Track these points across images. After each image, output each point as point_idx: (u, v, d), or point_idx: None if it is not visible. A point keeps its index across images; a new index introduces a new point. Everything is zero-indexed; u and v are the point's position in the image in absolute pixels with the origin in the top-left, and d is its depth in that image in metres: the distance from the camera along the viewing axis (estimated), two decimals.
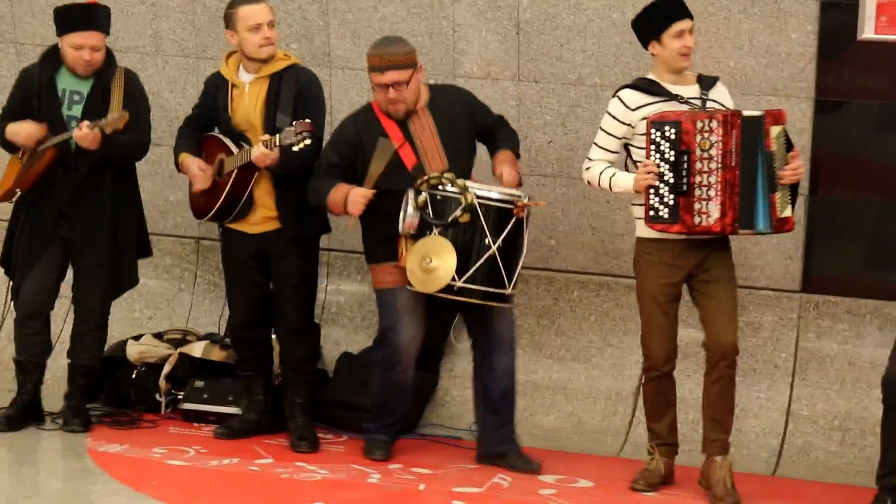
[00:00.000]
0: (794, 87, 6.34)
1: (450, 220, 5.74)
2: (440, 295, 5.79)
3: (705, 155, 5.56)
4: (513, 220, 5.80)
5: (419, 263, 5.74)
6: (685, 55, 5.71)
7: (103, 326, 6.37)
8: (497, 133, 6.08)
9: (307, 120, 5.86)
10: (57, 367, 6.51)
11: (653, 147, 5.63)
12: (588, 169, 5.83)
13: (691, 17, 5.75)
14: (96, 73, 6.18)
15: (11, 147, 6.28)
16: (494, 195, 5.80)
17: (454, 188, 5.77)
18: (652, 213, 5.65)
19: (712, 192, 5.56)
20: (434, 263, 5.72)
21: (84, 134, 6.00)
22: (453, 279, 5.72)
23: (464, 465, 6.09)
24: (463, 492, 5.75)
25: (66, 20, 6.12)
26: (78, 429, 6.25)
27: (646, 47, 5.81)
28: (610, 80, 6.59)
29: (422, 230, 5.79)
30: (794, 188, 5.67)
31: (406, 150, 5.93)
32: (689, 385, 6.29)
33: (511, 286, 5.83)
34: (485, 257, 5.76)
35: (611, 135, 5.77)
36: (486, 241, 5.76)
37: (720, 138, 5.55)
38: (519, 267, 5.87)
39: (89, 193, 6.19)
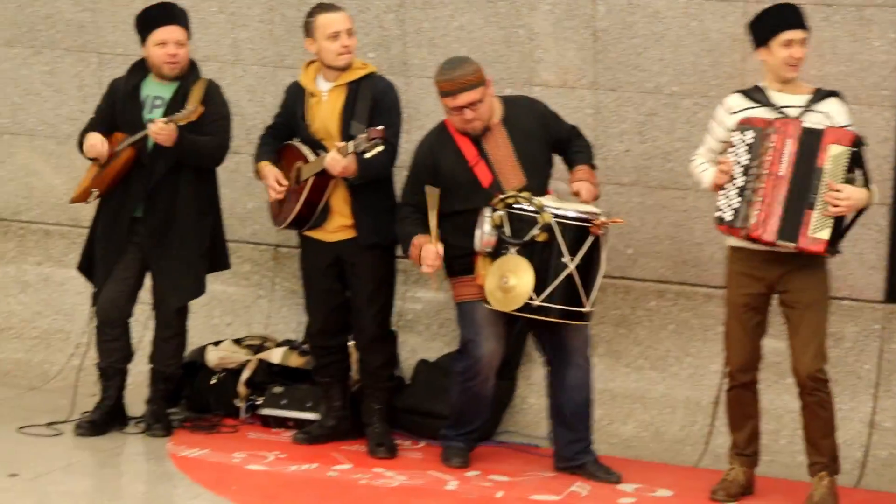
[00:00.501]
0: (877, 96, 6.29)
1: (526, 239, 5.74)
2: (519, 314, 5.79)
3: (763, 161, 5.53)
4: (590, 239, 5.79)
5: (497, 283, 5.75)
6: (791, 66, 5.61)
7: (182, 333, 6.42)
8: (572, 145, 6.08)
9: (380, 127, 5.89)
10: (139, 372, 6.57)
11: (731, 149, 5.62)
12: (691, 161, 5.86)
13: (805, 28, 5.65)
14: (180, 77, 6.24)
15: (86, 153, 6.35)
16: (571, 213, 5.78)
17: (530, 207, 5.76)
18: (717, 213, 5.64)
19: (757, 198, 5.52)
20: (512, 282, 5.73)
21: (158, 128, 6.06)
22: (531, 298, 5.72)
23: (541, 472, 6.09)
24: (541, 499, 5.74)
25: (147, 20, 6.23)
26: (160, 433, 6.31)
27: (756, 51, 5.71)
28: (688, 88, 6.57)
29: (498, 249, 5.80)
30: (838, 221, 5.49)
31: (481, 167, 5.93)
32: (769, 395, 6.25)
33: (589, 304, 5.82)
34: (562, 276, 5.75)
35: (711, 134, 5.78)
36: (564, 259, 5.75)
37: (773, 144, 5.51)
38: (597, 284, 5.85)
39: (164, 198, 6.24)
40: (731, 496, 5.76)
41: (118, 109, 6.26)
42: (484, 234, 5.79)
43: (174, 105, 6.22)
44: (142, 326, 6.97)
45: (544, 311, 5.76)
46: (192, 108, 6.12)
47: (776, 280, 5.65)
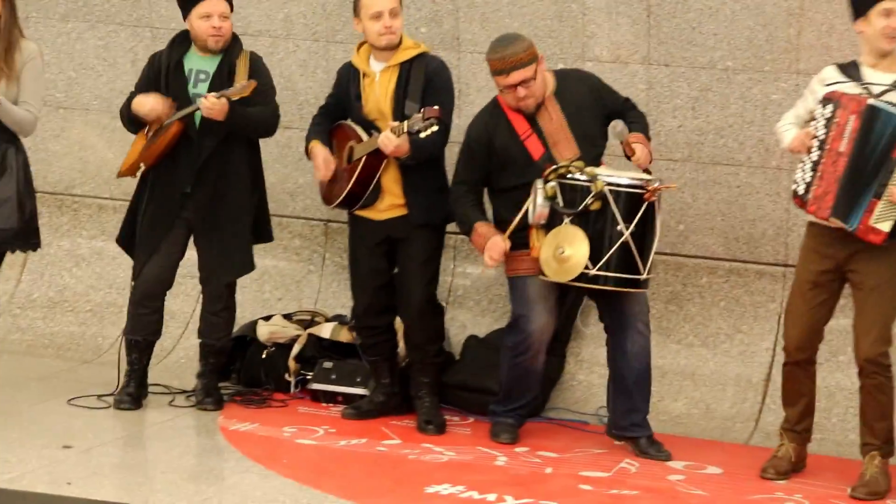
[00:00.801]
0: None
1: (580, 208, 5.72)
2: (575, 284, 5.77)
3: (826, 135, 5.46)
4: (644, 206, 5.76)
5: (552, 253, 5.73)
6: (890, 37, 5.48)
7: (231, 306, 6.45)
8: (626, 116, 6.04)
9: (435, 107, 5.88)
10: (190, 346, 6.62)
11: (812, 122, 5.56)
12: (779, 123, 5.77)
13: None
14: (223, 51, 6.25)
15: (136, 126, 6.35)
16: (624, 181, 5.77)
17: (583, 176, 5.74)
18: (794, 186, 5.59)
19: (817, 174, 5.46)
20: (567, 253, 5.71)
21: (210, 104, 6.08)
22: (587, 267, 5.70)
23: (591, 449, 6.08)
24: (590, 476, 5.73)
25: None
26: (211, 407, 6.35)
27: (854, 23, 5.59)
28: (742, 63, 6.51)
29: (552, 220, 5.78)
30: None
31: (533, 140, 5.92)
32: (822, 373, 6.16)
33: (646, 271, 5.79)
34: (618, 244, 5.73)
35: (804, 101, 5.68)
36: (619, 227, 5.73)
37: (836, 120, 5.44)
38: (653, 251, 5.83)
39: (212, 173, 6.26)
40: (780, 473, 5.73)
41: (162, 84, 6.27)
42: (537, 206, 5.78)
43: (219, 79, 6.24)
44: (193, 301, 7.03)
45: (600, 280, 5.74)
46: (245, 84, 6.14)
47: (845, 259, 5.56)
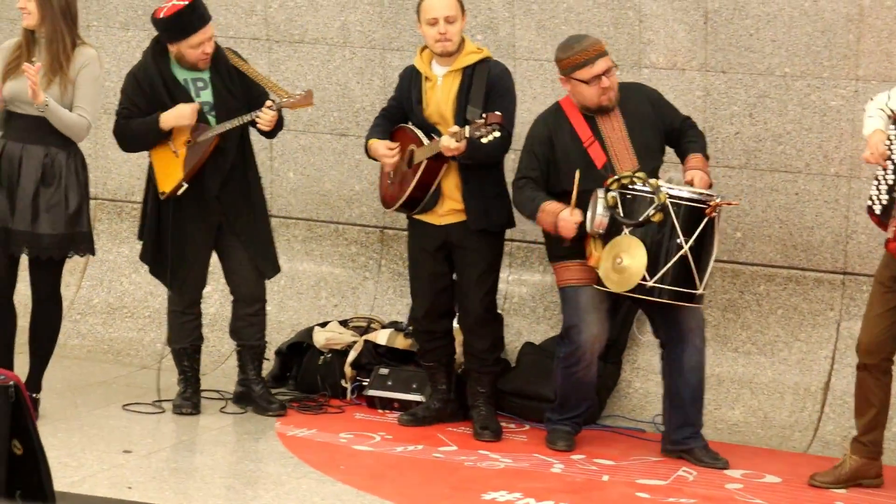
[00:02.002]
0: None
1: (641, 219, 5.70)
2: (631, 294, 5.76)
3: None
4: (705, 220, 5.73)
5: (611, 263, 5.72)
6: None
7: (264, 303, 6.46)
8: (685, 134, 6.02)
9: (497, 112, 5.88)
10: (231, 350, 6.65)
11: (887, 142, 5.47)
12: (871, 100, 5.59)
13: None
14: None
15: (153, 142, 6.28)
16: (686, 194, 5.74)
17: (646, 187, 5.72)
18: (869, 202, 5.53)
19: (890, 198, 5.40)
20: (625, 263, 5.69)
21: (271, 118, 6.12)
22: (644, 279, 5.69)
23: (647, 457, 6.06)
24: (647, 484, 5.72)
25: (182, 26, 6.13)
26: (282, 412, 6.35)
27: None
28: (800, 70, 6.47)
29: (611, 230, 5.77)
30: None
31: (595, 148, 5.91)
32: None
33: (702, 286, 5.77)
34: (676, 257, 5.70)
35: (890, 100, 5.52)
36: (678, 240, 5.70)
37: None
38: (710, 267, 5.80)
39: (237, 175, 6.30)
40: (827, 483, 5.66)
41: (165, 98, 6.20)
42: (597, 214, 5.76)
43: (218, 84, 6.22)
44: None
45: (657, 293, 5.72)
46: (307, 93, 6.13)
47: None
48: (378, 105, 7.13)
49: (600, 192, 5.78)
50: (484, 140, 5.85)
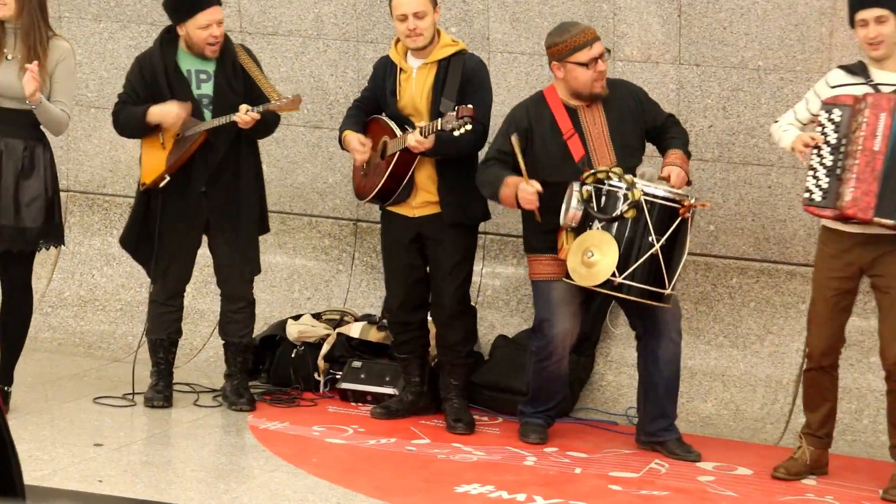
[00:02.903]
0: None
1: (614, 214, 5.70)
2: (599, 290, 5.76)
3: (853, 136, 5.43)
4: (677, 220, 5.73)
5: (580, 257, 5.71)
6: (870, 45, 5.52)
7: (252, 302, 6.44)
8: (668, 131, 6.01)
9: (469, 105, 5.87)
10: (219, 345, 6.62)
11: (819, 128, 5.54)
12: (776, 122, 5.77)
13: (884, 6, 5.50)
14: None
15: (142, 133, 6.28)
16: (661, 193, 5.73)
17: (621, 183, 5.72)
18: (807, 195, 5.55)
19: (850, 175, 5.41)
20: (595, 258, 5.69)
21: (251, 118, 6.09)
22: (613, 275, 5.68)
23: (620, 449, 6.06)
24: (620, 476, 5.72)
25: (188, 4, 6.11)
26: (246, 408, 6.35)
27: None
28: (773, 63, 6.48)
29: (584, 223, 5.76)
30: None
31: (574, 141, 5.90)
32: (853, 374, 6.18)
33: (671, 286, 5.77)
34: (647, 255, 5.70)
35: (806, 103, 5.68)
36: (650, 238, 5.70)
37: (866, 119, 5.40)
38: (680, 267, 5.80)
39: (226, 172, 6.27)
40: (791, 474, 5.70)
41: (164, 88, 6.19)
42: (571, 208, 5.75)
43: (221, 78, 6.20)
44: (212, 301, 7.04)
45: (625, 289, 5.72)
46: (294, 98, 6.09)
47: (869, 264, 5.55)
48: (352, 97, 7.10)
49: (575, 185, 5.77)
50: (456, 133, 5.84)
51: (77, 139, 7.71)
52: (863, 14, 5.53)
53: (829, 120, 5.51)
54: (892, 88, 5.49)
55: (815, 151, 5.52)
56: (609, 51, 5.95)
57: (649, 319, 5.93)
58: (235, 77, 6.24)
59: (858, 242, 5.53)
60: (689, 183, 5.94)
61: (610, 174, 5.73)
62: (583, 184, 5.76)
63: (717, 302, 6.71)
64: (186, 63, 6.25)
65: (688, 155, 5.99)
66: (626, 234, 5.71)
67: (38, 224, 5.99)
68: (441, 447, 6.00)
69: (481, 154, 6.25)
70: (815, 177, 5.52)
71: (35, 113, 5.92)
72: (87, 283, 7.60)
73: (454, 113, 5.83)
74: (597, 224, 5.72)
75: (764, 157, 6.60)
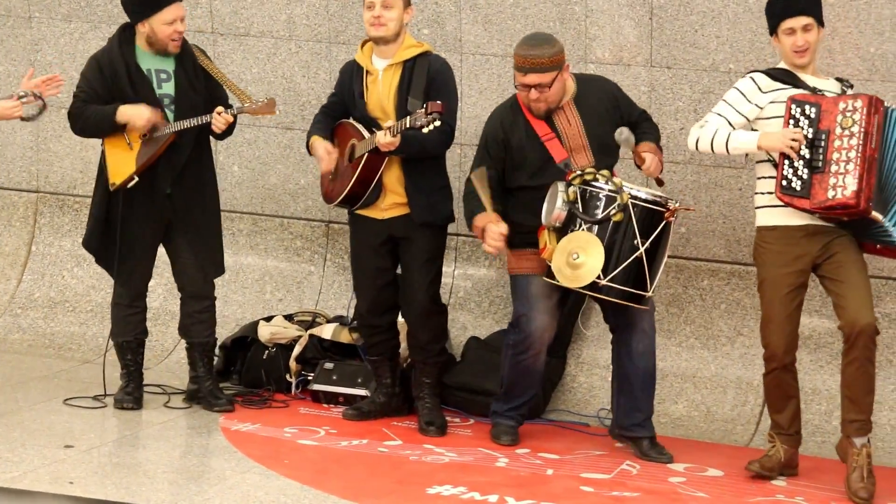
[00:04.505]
0: None
1: (601, 216, 5.71)
2: (583, 291, 5.77)
3: (846, 132, 5.47)
4: (662, 224, 5.74)
5: (565, 258, 5.72)
6: (798, 52, 5.61)
7: (214, 301, 6.44)
8: (640, 126, 6.03)
9: (438, 101, 5.87)
10: (183, 347, 6.61)
11: (791, 122, 5.57)
12: (701, 127, 5.73)
13: (811, 14, 5.60)
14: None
15: (108, 133, 6.23)
16: (647, 196, 5.74)
17: (609, 186, 5.72)
18: (784, 183, 5.58)
19: (851, 167, 5.45)
20: (581, 259, 5.69)
21: (226, 119, 6.09)
22: (598, 277, 5.70)
23: (591, 451, 6.08)
24: (591, 477, 5.74)
25: (154, 0, 6.09)
26: (229, 408, 6.34)
27: (772, 39, 5.76)
28: (744, 66, 6.51)
29: (567, 224, 5.77)
30: None
31: (555, 143, 5.91)
32: (822, 376, 6.21)
33: (652, 289, 5.79)
34: (632, 258, 5.71)
35: (734, 108, 5.70)
36: (635, 241, 5.71)
37: (863, 118, 5.46)
38: (661, 270, 5.82)
39: (190, 173, 6.26)
40: (765, 468, 5.73)
41: (127, 88, 6.15)
42: (556, 208, 5.75)
43: (181, 77, 6.17)
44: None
45: (608, 292, 5.73)
46: (269, 101, 6.08)
47: (818, 253, 5.61)
48: (324, 98, 7.09)
49: (560, 186, 5.77)
50: (425, 130, 5.84)
51: (47, 140, 7.68)
52: (790, 23, 5.62)
53: (804, 115, 5.54)
54: (833, 94, 5.58)
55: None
56: (549, 85, 5.80)
57: (622, 312, 5.95)
58: (196, 77, 6.23)
59: (806, 234, 5.60)
60: (661, 183, 5.96)
61: (598, 176, 5.73)
62: (569, 184, 5.76)
63: (689, 304, 6.73)
64: (146, 62, 6.22)
65: (659, 148, 6.01)
66: (612, 236, 5.71)
67: None
68: (413, 448, 6.00)
69: (450, 154, 6.26)
70: (792, 167, 5.55)
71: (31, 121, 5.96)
72: (58, 284, 7.57)
73: (423, 109, 5.84)
74: (581, 225, 5.73)
75: (735, 160, 6.62)
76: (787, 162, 5.57)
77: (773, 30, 5.69)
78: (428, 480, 5.62)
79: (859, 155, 5.46)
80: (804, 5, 5.62)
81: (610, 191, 5.71)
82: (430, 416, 6.25)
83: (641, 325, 5.93)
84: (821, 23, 5.68)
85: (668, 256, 6.65)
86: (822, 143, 5.50)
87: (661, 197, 5.79)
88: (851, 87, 5.72)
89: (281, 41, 7.27)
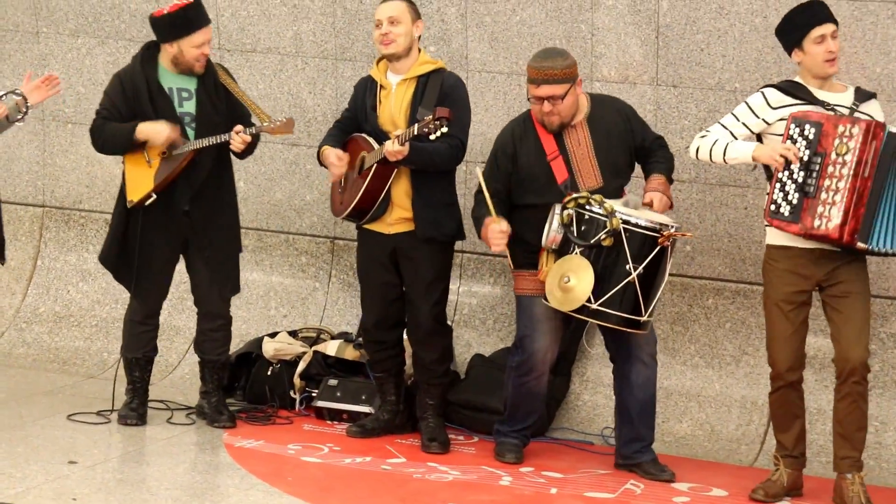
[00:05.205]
0: None
1: (592, 241, 5.70)
2: (575, 315, 5.76)
3: (839, 160, 5.46)
4: (656, 249, 5.73)
5: (557, 281, 5.72)
6: (829, 60, 5.60)
7: (230, 320, 6.45)
8: (653, 154, 6.00)
9: (445, 108, 5.87)
10: (195, 362, 6.61)
11: (788, 142, 5.56)
12: (703, 136, 5.74)
13: (834, 22, 5.64)
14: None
15: (125, 150, 6.26)
16: (641, 223, 5.71)
17: (601, 210, 5.71)
18: (773, 207, 5.58)
19: (838, 198, 5.44)
20: (571, 283, 5.69)
21: (242, 140, 6.10)
22: (589, 301, 5.69)
23: (596, 469, 6.07)
24: (595, 497, 5.73)
25: (186, 22, 6.13)
26: (229, 424, 6.35)
27: (790, 55, 5.72)
28: (750, 85, 6.51)
29: (564, 247, 5.77)
30: None
31: (558, 163, 5.91)
32: (828, 396, 6.18)
33: (647, 314, 5.77)
34: (623, 283, 5.69)
35: (740, 121, 5.70)
36: (627, 267, 5.70)
37: (858, 145, 5.44)
38: (658, 295, 5.79)
39: (209, 191, 6.27)
40: (770, 496, 5.71)
41: (147, 106, 6.18)
42: (551, 230, 5.76)
43: (203, 96, 6.20)
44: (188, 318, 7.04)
45: (600, 316, 5.72)
46: (287, 121, 6.08)
47: (824, 277, 5.61)
48: (330, 115, 7.12)
49: (557, 208, 5.78)
50: (432, 137, 5.84)
51: (54, 154, 7.69)
52: (820, 30, 5.58)
53: (802, 135, 5.53)
54: (846, 110, 5.55)
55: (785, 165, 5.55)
56: (563, 97, 5.81)
57: (622, 344, 5.94)
58: (218, 96, 6.25)
59: (816, 257, 5.59)
60: (671, 207, 5.95)
61: (591, 200, 5.72)
62: (564, 207, 5.76)
63: (693, 322, 6.73)
64: (168, 81, 6.24)
65: (670, 180, 5.99)
66: (604, 261, 5.70)
67: None
68: (417, 466, 6.00)
69: (460, 170, 6.26)
70: (783, 191, 5.55)
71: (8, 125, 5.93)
72: (63, 298, 7.57)
73: (430, 116, 5.84)
74: (576, 249, 5.72)
75: (740, 179, 6.62)
76: (777, 186, 5.56)
77: (797, 42, 5.62)
78: (432, 499, 5.61)
79: (848, 186, 5.43)
80: (829, 12, 5.61)
81: (601, 215, 5.70)
82: (432, 434, 6.24)
83: (640, 356, 5.92)
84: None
85: (674, 275, 6.68)
86: (817, 168, 5.49)
87: (657, 223, 5.73)
88: (872, 96, 5.66)
89: (287, 57, 7.29)
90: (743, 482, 5.93)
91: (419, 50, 6.19)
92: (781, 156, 5.53)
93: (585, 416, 6.68)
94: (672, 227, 5.76)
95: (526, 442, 6.21)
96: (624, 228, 5.68)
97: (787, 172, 5.56)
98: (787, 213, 5.54)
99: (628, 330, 5.77)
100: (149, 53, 6.27)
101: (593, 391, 6.71)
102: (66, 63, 7.61)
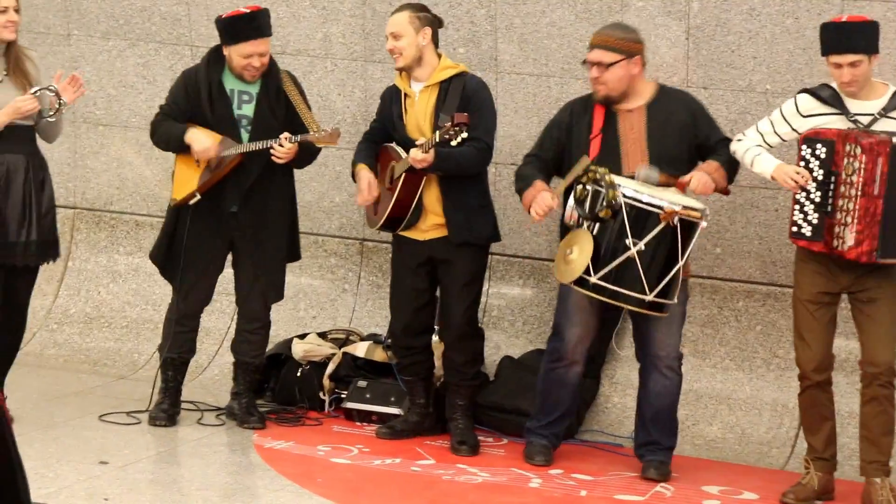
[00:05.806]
0: None
1: (589, 213, 5.69)
2: (578, 289, 5.72)
3: (848, 180, 5.46)
4: (660, 226, 5.69)
5: (563, 254, 5.72)
6: (845, 83, 5.55)
7: (267, 325, 6.48)
8: (716, 151, 5.94)
9: (464, 113, 5.87)
10: (224, 363, 6.64)
11: (802, 164, 5.56)
12: (739, 140, 5.80)
13: (859, 52, 5.49)
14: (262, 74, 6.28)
15: (178, 149, 6.32)
16: (644, 198, 5.66)
17: (603, 183, 5.68)
18: (794, 228, 5.59)
19: (850, 219, 5.45)
20: (573, 255, 5.68)
21: (287, 149, 6.11)
22: (588, 273, 5.67)
23: (625, 472, 6.05)
24: (625, 499, 5.71)
25: (235, 31, 6.17)
26: (258, 426, 6.36)
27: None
28: (781, 86, 6.49)
29: (580, 222, 5.76)
30: None
31: (596, 142, 5.89)
32: (859, 398, 6.14)
33: (653, 293, 5.71)
34: (622, 258, 5.66)
35: (773, 127, 5.73)
36: (627, 241, 5.68)
37: (863, 165, 5.42)
38: (669, 276, 5.71)
39: (258, 194, 6.28)
40: (800, 499, 5.69)
41: (205, 105, 6.23)
42: (569, 206, 5.76)
43: (263, 101, 6.23)
44: (228, 318, 7.04)
45: (600, 290, 5.69)
46: (333, 132, 6.08)
47: (851, 282, 5.61)
48: (360, 116, 7.13)
49: (577, 185, 5.78)
50: (453, 143, 5.84)
51: (84, 156, 7.72)
52: (836, 59, 5.54)
53: (814, 156, 5.54)
54: (869, 118, 5.52)
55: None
56: (608, 66, 5.81)
57: (647, 352, 5.94)
58: (278, 103, 6.26)
59: (841, 265, 5.60)
60: (714, 189, 5.84)
61: (597, 174, 5.68)
62: (577, 182, 5.75)
63: (724, 325, 6.70)
64: (230, 82, 6.28)
65: (726, 171, 5.88)
66: (604, 234, 5.68)
67: (54, 236, 6.02)
68: (446, 468, 5.99)
69: (490, 172, 6.25)
70: (802, 211, 5.56)
71: (51, 124, 5.97)
72: (93, 299, 7.60)
73: (449, 123, 5.84)
74: (584, 222, 5.71)
75: (771, 181, 6.58)
76: (797, 207, 5.57)
77: (824, 56, 5.62)
78: (461, 500, 5.61)
79: (857, 206, 5.43)
80: (853, 43, 5.49)
81: (603, 187, 5.66)
82: (462, 436, 6.24)
83: (659, 366, 5.91)
84: (873, 51, 5.56)
85: (703, 277, 6.66)
86: (832, 187, 5.49)
87: (663, 200, 5.67)
88: None
89: (317, 59, 7.30)
90: (774, 486, 5.91)
91: (438, 55, 6.19)
92: (797, 175, 5.52)
93: (615, 418, 6.67)
94: (679, 206, 5.66)
95: (556, 443, 6.20)
96: (625, 202, 5.65)
97: (804, 193, 5.57)
98: (808, 234, 5.54)
99: (637, 309, 5.72)
100: (217, 54, 6.31)
101: (622, 393, 6.69)
102: (96, 65, 7.64)
